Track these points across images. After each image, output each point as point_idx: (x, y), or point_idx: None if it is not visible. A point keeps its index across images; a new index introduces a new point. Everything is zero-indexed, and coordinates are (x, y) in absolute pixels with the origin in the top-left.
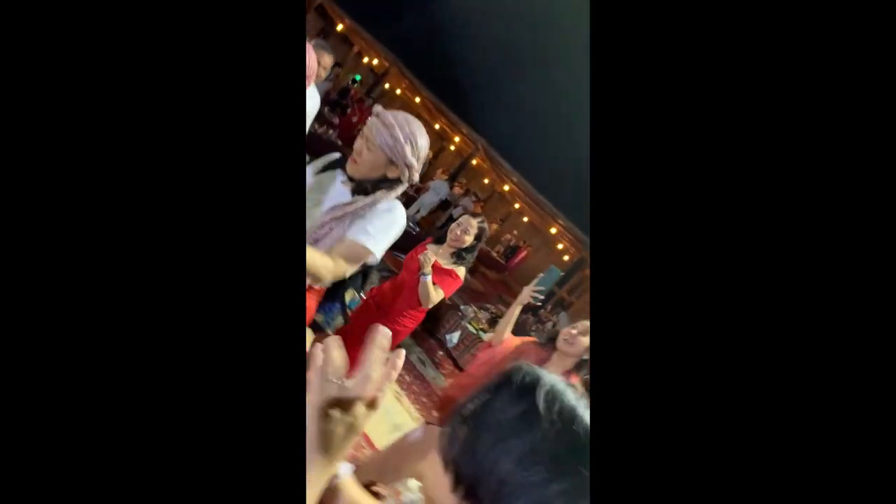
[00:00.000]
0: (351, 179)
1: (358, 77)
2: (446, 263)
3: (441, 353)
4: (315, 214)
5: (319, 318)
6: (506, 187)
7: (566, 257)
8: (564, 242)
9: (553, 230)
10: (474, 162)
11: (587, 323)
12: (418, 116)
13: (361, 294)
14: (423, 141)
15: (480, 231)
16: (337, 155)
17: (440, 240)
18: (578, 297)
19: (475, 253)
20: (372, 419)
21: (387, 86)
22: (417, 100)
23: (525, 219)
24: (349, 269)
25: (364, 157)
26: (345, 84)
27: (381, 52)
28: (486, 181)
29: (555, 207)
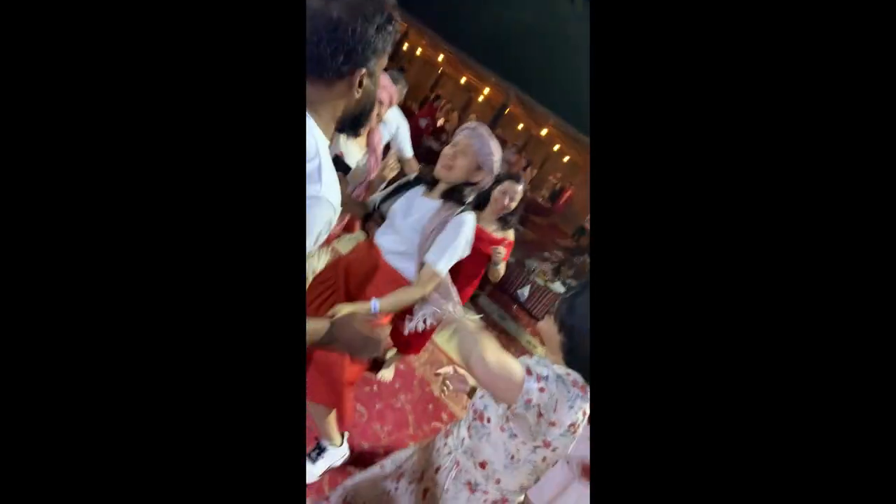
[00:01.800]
0: (432, 185)
1: None
2: (494, 230)
3: (516, 306)
4: (403, 229)
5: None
6: (543, 131)
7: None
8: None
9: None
10: (507, 110)
11: (510, 184)
12: (442, 73)
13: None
14: (500, 153)
15: (523, 195)
16: (411, 176)
17: (479, 205)
18: None
19: (518, 216)
20: None
21: (406, 46)
22: (440, 57)
23: (565, 159)
24: (427, 291)
25: (458, 163)
26: None
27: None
28: (520, 127)
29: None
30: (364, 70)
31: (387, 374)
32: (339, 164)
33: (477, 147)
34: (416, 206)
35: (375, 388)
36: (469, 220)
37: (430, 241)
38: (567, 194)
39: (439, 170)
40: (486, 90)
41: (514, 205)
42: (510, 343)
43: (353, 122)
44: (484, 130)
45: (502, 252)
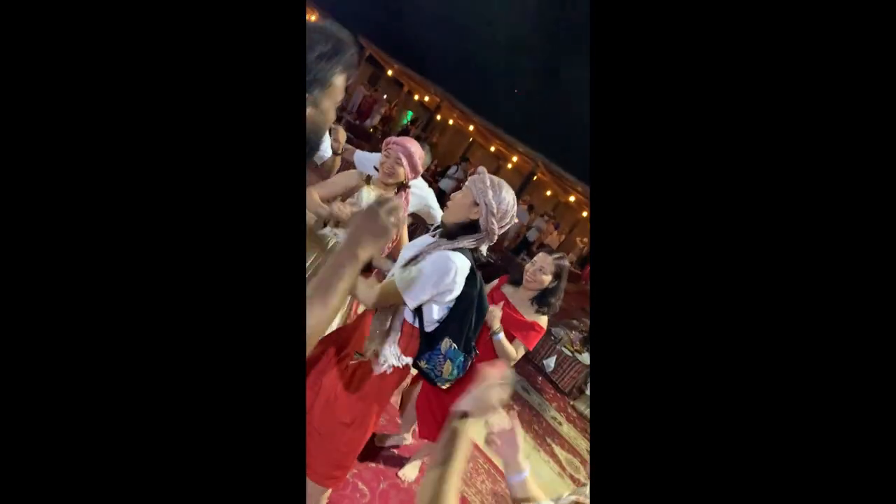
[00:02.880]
0: (442, 226)
1: (410, 113)
2: (528, 313)
3: (541, 378)
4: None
5: (424, 366)
6: (571, 198)
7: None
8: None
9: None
10: (535, 178)
11: (543, 256)
12: (472, 141)
13: (454, 344)
14: (508, 195)
15: (559, 269)
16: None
17: (517, 281)
18: None
19: (560, 294)
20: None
21: (439, 118)
22: (471, 127)
23: (588, 252)
24: (381, 304)
25: (456, 201)
26: (401, 124)
27: (431, 88)
28: (548, 193)
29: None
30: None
31: (410, 473)
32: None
33: (475, 185)
34: (418, 243)
35: (381, 464)
36: (457, 260)
37: (406, 262)
38: None
39: (444, 213)
40: (515, 158)
41: (546, 278)
42: (534, 419)
43: None
44: (485, 173)
45: (497, 315)
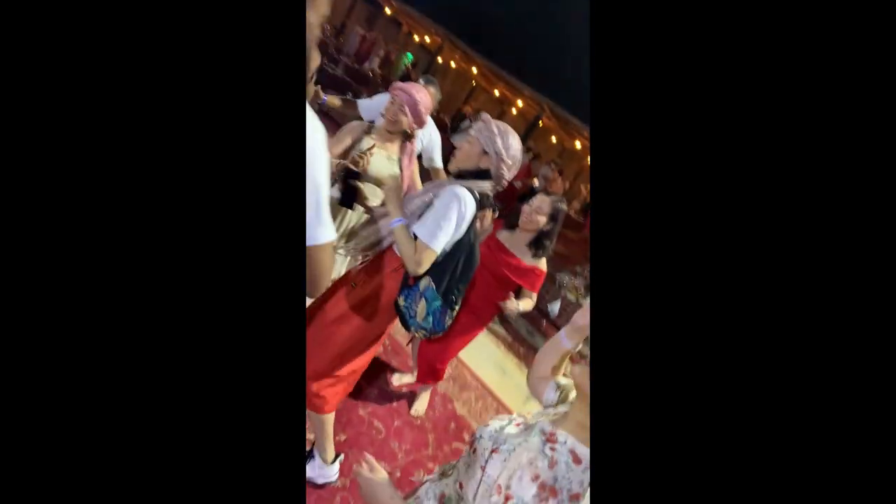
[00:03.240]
0: (448, 174)
1: (410, 56)
2: (525, 258)
3: (545, 322)
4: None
5: (402, 303)
6: (577, 144)
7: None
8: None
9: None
10: (540, 123)
11: (541, 198)
12: (476, 85)
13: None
14: (515, 141)
15: (555, 210)
16: None
17: (513, 225)
18: None
19: (555, 236)
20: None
21: (440, 60)
22: (474, 69)
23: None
24: (423, 267)
25: (462, 150)
26: (400, 68)
27: (431, 28)
28: (553, 140)
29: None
30: None
31: (420, 408)
32: (346, 197)
33: (477, 132)
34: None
35: (395, 403)
36: (464, 195)
37: (420, 210)
38: None
39: (451, 160)
40: (520, 103)
41: (541, 219)
42: None
43: None
44: (490, 120)
45: (514, 308)
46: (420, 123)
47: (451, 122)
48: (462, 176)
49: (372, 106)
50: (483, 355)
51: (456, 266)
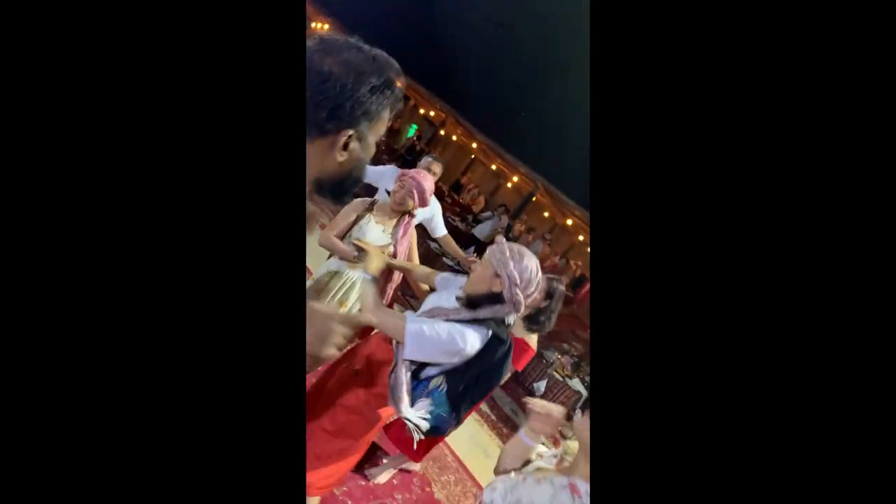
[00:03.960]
0: (464, 298)
1: (415, 127)
2: (518, 330)
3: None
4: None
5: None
6: (568, 221)
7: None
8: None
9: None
10: (534, 199)
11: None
12: (474, 158)
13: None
14: (531, 263)
15: (552, 289)
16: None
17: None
18: None
19: (551, 315)
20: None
21: (442, 133)
22: (474, 144)
23: (589, 250)
24: (377, 325)
25: (477, 273)
26: (405, 138)
27: (437, 103)
28: (546, 215)
29: None
30: (352, 132)
31: (381, 477)
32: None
33: (490, 255)
34: (443, 304)
35: (371, 482)
36: (469, 339)
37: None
38: (588, 286)
39: (466, 284)
40: (515, 178)
41: (539, 297)
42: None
43: (333, 189)
44: (504, 242)
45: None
46: (424, 205)
47: (473, 218)
48: (474, 303)
49: (378, 173)
50: (465, 434)
51: (476, 377)
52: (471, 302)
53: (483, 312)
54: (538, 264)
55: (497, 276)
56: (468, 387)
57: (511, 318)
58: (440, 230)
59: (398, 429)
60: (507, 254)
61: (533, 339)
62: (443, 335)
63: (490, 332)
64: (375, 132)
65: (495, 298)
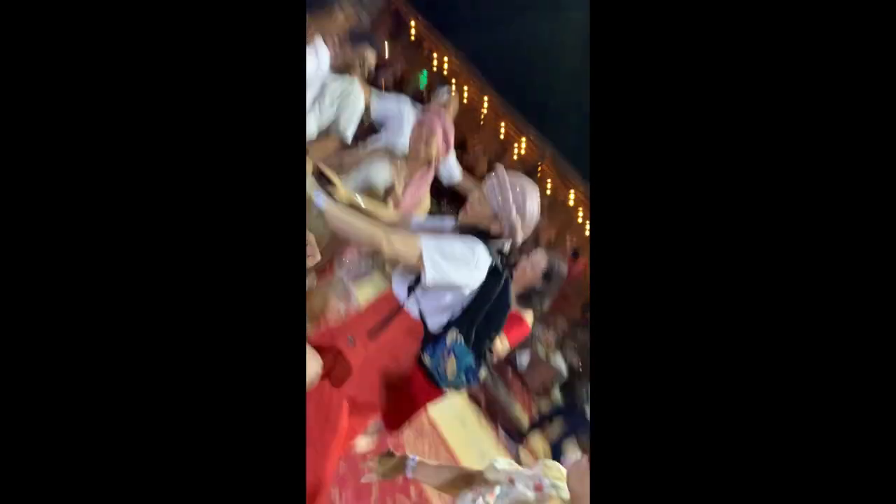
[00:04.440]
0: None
1: (425, 74)
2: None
3: (511, 373)
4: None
5: (428, 362)
6: (570, 195)
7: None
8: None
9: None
10: (539, 170)
11: (541, 253)
12: (484, 118)
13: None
14: (532, 205)
15: (552, 269)
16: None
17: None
18: None
19: (548, 296)
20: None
21: (454, 86)
22: (485, 102)
23: (588, 231)
24: (393, 260)
25: (474, 208)
26: (414, 87)
27: (451, 52)
28: (548, 190)
29: None
30: None
31: (363, 443)
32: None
33: (490, 194)
34: (436, 224)
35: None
36: (480, 252)
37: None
38: (582, 263)
39: (461, 213)
40: (523, 144)
41: (537, 277)
42: (501, 413)
43: None
44: (507, 179)
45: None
46: (446, 151)
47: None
48: (469, 231)
49: (385, 107)
50: (444, 402)
51: (484, 315)
52: (471, 229)
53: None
54: (538, 201)
55: (496, 216)
56: (479, 330)
57: (507, 247)
58: (456, 175)
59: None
60: (510, 196)
61: (529, 315)
62: (457, 248)
63: (492, 260)
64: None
65: (492, 238)
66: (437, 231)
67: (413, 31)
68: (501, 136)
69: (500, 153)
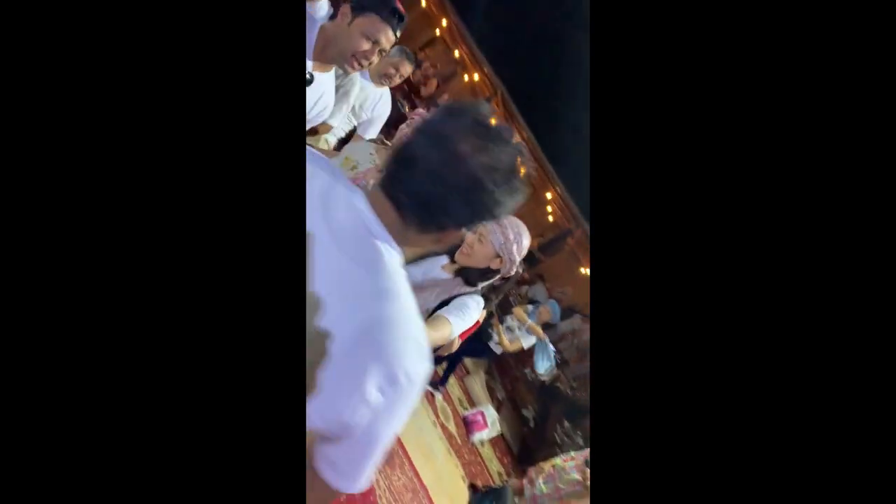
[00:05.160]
0: (454, 264)
1: None
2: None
3: None
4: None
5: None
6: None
7: (551, 219)
8: (554, 208)
9: (548, 195)
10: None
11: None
12: (437, 36)
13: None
14: (527, 241)
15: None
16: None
17: (451, 251)
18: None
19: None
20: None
21: None
22: (444, 21)
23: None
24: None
25: (475, 250)
26: None
27: None
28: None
29: (556, 175)
30: None
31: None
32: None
33: (493, 237)
34: (433, 276)
35: None
36: (481, 302)
37: (436, 302)
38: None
39: (458, 254)
40: (476, 76)
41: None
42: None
43: None
44: (505, 219)
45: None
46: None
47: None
48: (470, 275)
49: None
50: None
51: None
52: (468, 278)
53: (481, 285)
54: (525, 229)
55: (498, 255)
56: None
57: (496, 280)
58: (372, 133)
59: None
60: (511, 237)
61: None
62: (471, 307)
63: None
64: None
65: (491, 273)
66: (437, 281)
67: None
68: (456, 55)
69: (451, 74)
